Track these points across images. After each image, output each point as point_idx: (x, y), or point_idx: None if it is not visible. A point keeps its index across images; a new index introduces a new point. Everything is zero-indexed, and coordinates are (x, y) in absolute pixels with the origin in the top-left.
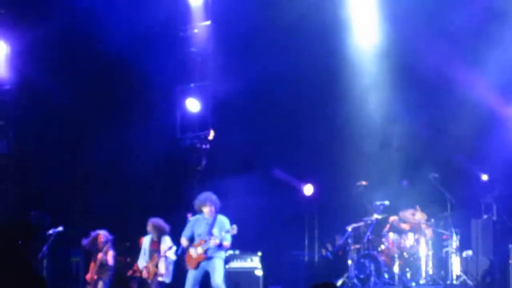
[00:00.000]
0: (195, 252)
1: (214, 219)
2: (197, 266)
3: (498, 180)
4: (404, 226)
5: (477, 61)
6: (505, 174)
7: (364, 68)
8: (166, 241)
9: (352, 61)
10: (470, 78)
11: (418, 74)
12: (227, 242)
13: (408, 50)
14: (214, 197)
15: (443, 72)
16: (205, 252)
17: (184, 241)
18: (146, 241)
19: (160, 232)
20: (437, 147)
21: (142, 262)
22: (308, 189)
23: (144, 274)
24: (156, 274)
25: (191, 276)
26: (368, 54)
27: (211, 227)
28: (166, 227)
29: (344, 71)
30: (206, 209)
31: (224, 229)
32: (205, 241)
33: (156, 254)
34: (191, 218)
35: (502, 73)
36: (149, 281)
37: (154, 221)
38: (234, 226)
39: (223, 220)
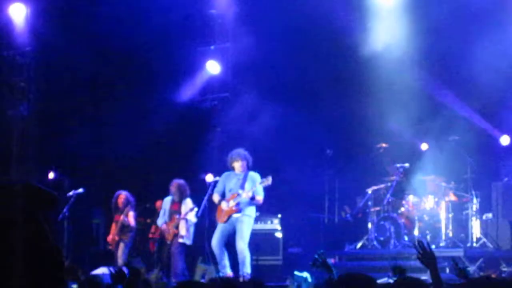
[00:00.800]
0: (226, 205)
1: (246, 175)
2: (227, 220)
3: None
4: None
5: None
6: None
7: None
8: (187, 203)
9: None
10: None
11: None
12: (260, 197)
13: None
14: (245, 152)
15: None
16: (237, 205)
17: (215, 197)
18: (166, 202)
19: (182, 194)
20: (457, 107)
21: (161, 222)
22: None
23: (164, 234)
24: (176, 235)
25: (219, 229)
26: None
27: (243, 182)
28: (188, 189)
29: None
30: (237, 164)
31: (256, 183)
32: (237, 195)
33: (176, 216)
34: (211, 177)
35: None
36: (169, 241)
37: (178, 182)
38: (269, 177)
39: (254, 176)
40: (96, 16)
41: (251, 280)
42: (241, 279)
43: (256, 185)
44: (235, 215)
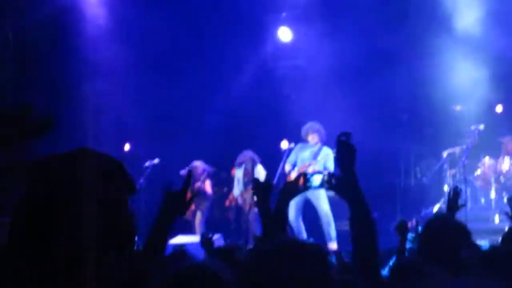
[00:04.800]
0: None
1: (320, 148)
2: None
3: None
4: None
5: None
6: None
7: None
8: (260, 171)
9: None
10: None
11: None
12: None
13: None
14: (319, 126)
15: None
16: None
17: (287, 167)
18: (239, 172)
19: (252, 162)
20: None
21: (236, 191)
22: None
23: (240, 202)
24: (252, 205)
25: (293, 204)
26: None
27: (317, 154)
28: (258, 157)
29: None
30: (310, 137)
31: (328, 163)
32: (309, 165)
33: (249, 187)
34: (286, 144)
35: None
36: (246, 210)
37: (247, 153)
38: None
39: (329, 152)
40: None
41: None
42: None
43: (328, 159)
44: None
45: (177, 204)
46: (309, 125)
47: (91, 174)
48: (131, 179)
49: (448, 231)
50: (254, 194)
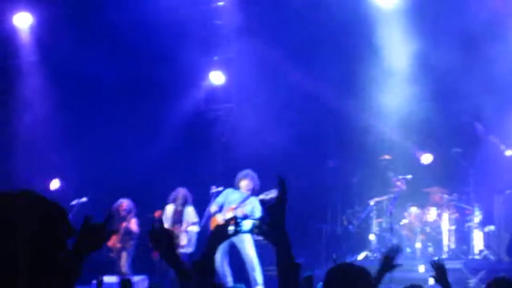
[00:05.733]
0: (222, 218)
1: (249, 196)
2: None
3: None
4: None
5: None
6: None
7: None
8: (189, 213)
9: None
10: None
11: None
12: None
13: None
14: (255, 175)
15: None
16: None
17: (213, 208)
18: (169, 210)
19: (185, 201)
20: (459, 121)
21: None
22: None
23: None
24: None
25: (218, 249)
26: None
27: (244, 200)
28: (191, 197)
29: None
30: (244, 183)
31: (254, 213)
32: (236, 207)
33: (177, 225)
34: (215, 189)
35: None
36: None
37: (181, 190)
38: (273, 190)
39: (257, 204)
40: (102, 25)
41: None
42: None
43: (255, 208)
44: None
45: (94, 236)
46: (244, 172)
47: (27, 217)
48: (70, 224)
49: (350, 278)
50: (153, 245)
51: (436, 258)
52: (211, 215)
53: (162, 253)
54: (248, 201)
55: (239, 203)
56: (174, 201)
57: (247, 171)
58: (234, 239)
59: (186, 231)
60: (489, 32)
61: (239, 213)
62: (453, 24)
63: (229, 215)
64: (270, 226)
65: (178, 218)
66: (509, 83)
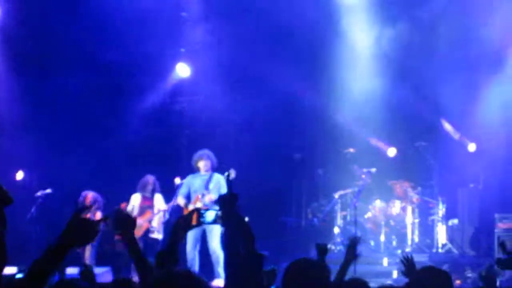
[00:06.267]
0: (193, 208)
1: (211, 176)
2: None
3: (486, 149)
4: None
5: None
6: (493, 143)
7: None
8: (159, 199)
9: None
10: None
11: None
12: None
13: None
14: (209, 152)
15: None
16: (203, 206)
17: (180, 200)
18: (135, 199)
19: (154, 188)
20: (425, 115)
21: None
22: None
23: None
24: (148, 231)
25: (191, 235)
26: None
27: (208, 183)
28: (158, 185)
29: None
30: (201, 164)
31: (221, 189)
32: (202, 195)
33: (150, 210)
34: (179, 180)
35: None
36: (138, 237)
37: (150, 177)
38: (232, 170)
39: (219, 178)
40: (64, 18)
41: None
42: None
43: (220, 185)
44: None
45: (84, 230)
46: (200, 152)
47: None
48: (3, 191)
49: (308, 273)
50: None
51: (400, 251)
52: (183, 207)
53: (125, 238)
54: (211, 185)
55: (203, 188)
56: (143, 188)
57: (202, 151)
58: (206, 227)
59: (163, 213)
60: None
61: (207, 200)
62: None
63: (198, 204)
64: (223, 217)
65: (148, 204)
66: (471, 67)
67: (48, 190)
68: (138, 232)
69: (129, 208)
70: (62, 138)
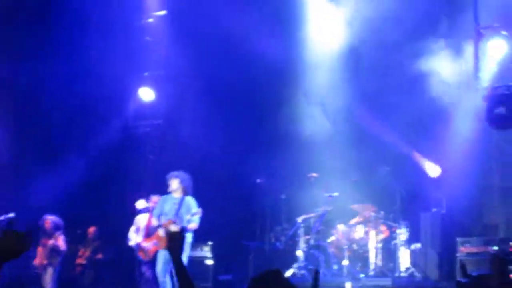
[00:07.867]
0: (163, 232)
1: (182, 200)
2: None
3: (448, 174)
4: (355, 219)
5: None
6: (455, 168)
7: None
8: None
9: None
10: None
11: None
12: (193, 224)
13: None
14: (186, 176)
15: None
16: None
17: (154, 221)
18: (142, 219)
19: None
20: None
21: (139, 239)
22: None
23: (138, 253)
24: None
25: (161, 256)
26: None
27: (179, 208)
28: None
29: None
30: (174, 183)
31: (191, 211)
32: (174, 221)
33: (159, 229)
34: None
35: None
36: (146, 259)
37: (154, 197)
38: (199, 210)
39: (190, 202)
40: (33, 42)
41: None
42: None
43: (188, 216)
44: None
45: (16, 243)
46: (174, 173)
47: None
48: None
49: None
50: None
51: (363, 275)
52: (155, 228)
53: (174, 255)
54: (182, 209)
55: (174, 215)
56: (149, 209)
57: (176, 172)
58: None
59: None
60: None
61: (173, 228)
62: None
63: (173, 228)
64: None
65: (153, 226)
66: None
67: (11, 214)
68: (147, 255)
69: (132, 229)
70: (27, 161)
